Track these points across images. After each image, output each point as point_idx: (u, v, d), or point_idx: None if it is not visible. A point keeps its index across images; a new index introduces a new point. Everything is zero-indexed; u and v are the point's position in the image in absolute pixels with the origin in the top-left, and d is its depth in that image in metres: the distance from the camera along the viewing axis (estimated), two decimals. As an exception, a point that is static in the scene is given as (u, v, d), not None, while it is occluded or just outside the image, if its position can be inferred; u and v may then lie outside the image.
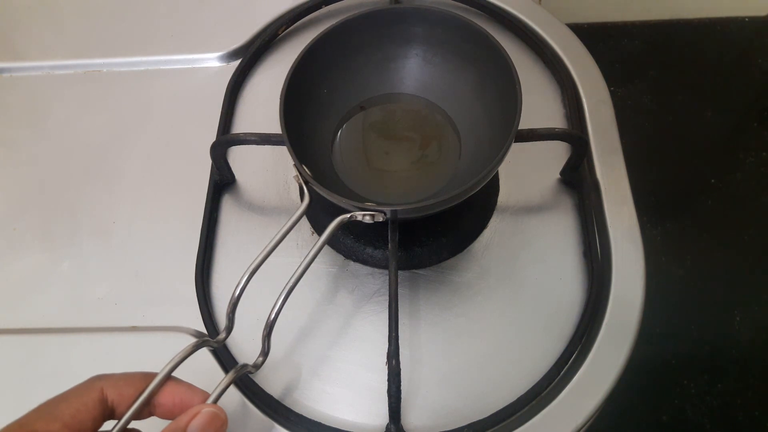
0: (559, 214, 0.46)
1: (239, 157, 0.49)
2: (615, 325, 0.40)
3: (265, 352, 0.36)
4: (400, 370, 0.35)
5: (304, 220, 0.46)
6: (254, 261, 0.35)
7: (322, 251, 0.37)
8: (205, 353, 0.40)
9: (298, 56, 0.41)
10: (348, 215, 0.37)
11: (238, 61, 0.54)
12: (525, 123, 0.38)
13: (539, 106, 0.51)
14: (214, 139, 0.48)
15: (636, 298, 0.41)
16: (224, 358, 0.40)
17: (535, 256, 0.44)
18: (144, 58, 0.56)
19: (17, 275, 0.46)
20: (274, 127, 0.39)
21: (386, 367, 0.36)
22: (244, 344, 0.41)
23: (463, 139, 0.44)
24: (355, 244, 0.44)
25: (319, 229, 0.45)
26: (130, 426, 0.28)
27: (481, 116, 0.43)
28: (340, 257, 0.44)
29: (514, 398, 0.38)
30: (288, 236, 0.37)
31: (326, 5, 0.57)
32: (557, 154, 0.48)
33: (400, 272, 0.42)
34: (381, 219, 0.37)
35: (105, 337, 0.42)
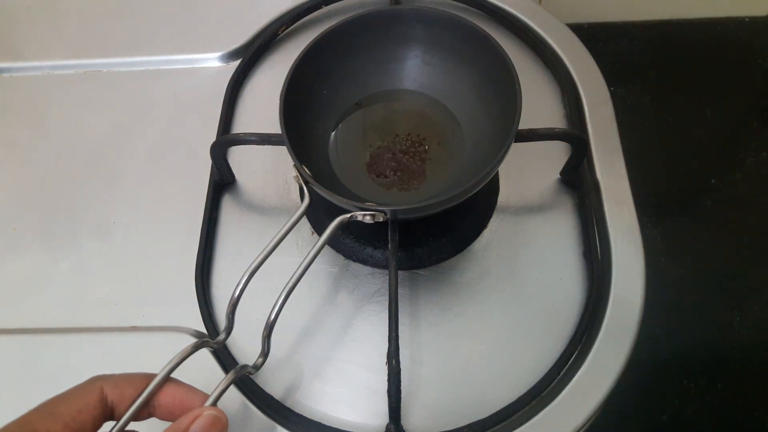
0: (559, 214, 0.46)
1: (239, 157, 0.49)
2: (615, 325, 0.40)
3: (265, 353, 0.35)
4: (400, 370, 0.35)
5: (304, 220, 0.46)
6: (254, 261, 0.35)
7: (322, 251, 0.37)
8: (205, 354, 0.40)
9: (297, 57, 0.41)
10: (348, 215, 0.37)
11: (238, 61, 0.54)
12: (525, 123, 0.38)
13: (539, 106, 0.51)
14: (214, 139, 0.48)
15: (636, 298, 0.41)
16: (224, 358, 0.40)
17: (535, 256, 0.44)
18: (144, 58, 0.56)
19: (17, 275, 0.46)
20: (274, 127, 0.39)
21: (386, 367, 0.36)
22: (245, 345, 0.41)
23: (463, 139, 0.44)
24: (355, 244, 0.44)
25: (318, 229, 0.45)
26: (129, 427, 0.28)
27: (480, 116, 0.43)
28: (341, 257, 0.44)
29: (514, 398, 0.38)
30: (288, 236, 0.37)
31: (326, 5, 0.57)
32: (557, 154, 0.48)
33: (400, 272, 0.42)
34: (381, 219, 0.36)
35: (105, 337, 0.42)
